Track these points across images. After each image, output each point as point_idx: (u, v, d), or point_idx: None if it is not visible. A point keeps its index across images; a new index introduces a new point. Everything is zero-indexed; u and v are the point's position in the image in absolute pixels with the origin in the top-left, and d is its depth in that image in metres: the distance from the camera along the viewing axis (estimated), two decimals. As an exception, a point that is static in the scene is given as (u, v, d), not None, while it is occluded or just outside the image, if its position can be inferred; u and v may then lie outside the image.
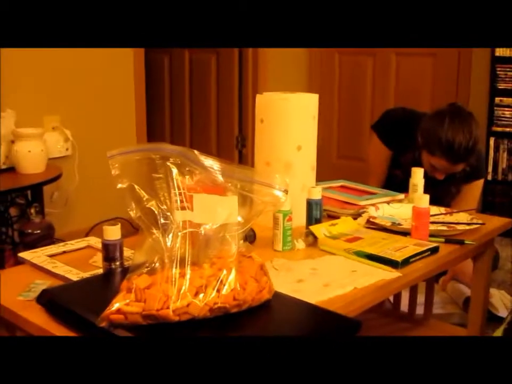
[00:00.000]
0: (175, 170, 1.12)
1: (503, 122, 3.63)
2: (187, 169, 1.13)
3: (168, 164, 1.11)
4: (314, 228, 1.60)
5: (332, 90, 4.45)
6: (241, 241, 1.16)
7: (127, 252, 1.37)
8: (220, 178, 1.15)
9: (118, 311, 1.03)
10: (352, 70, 4.38)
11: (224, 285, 1.07)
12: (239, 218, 1.15)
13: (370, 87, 4.31)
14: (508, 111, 3.60)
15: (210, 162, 1.16)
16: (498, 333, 1.47)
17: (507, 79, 3.58)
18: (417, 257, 1.48)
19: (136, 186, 1.10)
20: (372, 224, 1.72)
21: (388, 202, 1.89)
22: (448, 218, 1.80)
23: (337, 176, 2.37)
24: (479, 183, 2.59)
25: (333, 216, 1.80)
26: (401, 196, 1.98)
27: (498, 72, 3.60)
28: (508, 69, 3.57)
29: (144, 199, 1.10)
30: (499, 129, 3.64)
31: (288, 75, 4.33)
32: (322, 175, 2.01)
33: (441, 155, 2.27)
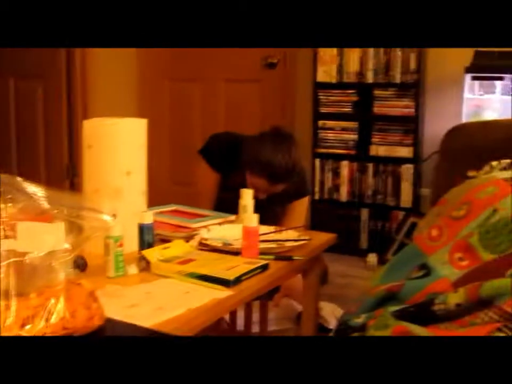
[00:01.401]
0: (-5, 199, 1.07)
1: (327, 144, 3.83)
2: (9, 196, 1.09)
3: (-12, 192, 1.07)
4: (147, 252, 1.59)
5: (162, 116, 4.47)
6: (71, 269, 1.13)
7: None
8: (46, 205, 1.12)
9: None
10: (182, 96, 4.43)
11: (52, 314, 1.04)
12: (67, 245, 1.12)
13: (200, 113, 4.38)
14: (330, 133, 3.81)
15: (34, 189, 1.12)
16: None
17: (328, 103, 3.80)
18: (249, 275, 1.52)
19: (-48, 217, 1.05)
20: (204, 246, 1.74)
21: (220, 224, 1.94)
22: (277, 236, 1.87)
23: (171, 201, 2.38)
24: (304, 201, 2.71)
25: (165, 240, 1.80)
26: (232, 217, 2.03)
27: (320, 97, 3.80)
28: (329, 94, 3.78)
29: (-38, 229, 1.05)
30: (323, 150, 3.84)
31: (118, 101, 4.30)
32: (156, 200, 2.01)
33: (262, 175, 2.36)
